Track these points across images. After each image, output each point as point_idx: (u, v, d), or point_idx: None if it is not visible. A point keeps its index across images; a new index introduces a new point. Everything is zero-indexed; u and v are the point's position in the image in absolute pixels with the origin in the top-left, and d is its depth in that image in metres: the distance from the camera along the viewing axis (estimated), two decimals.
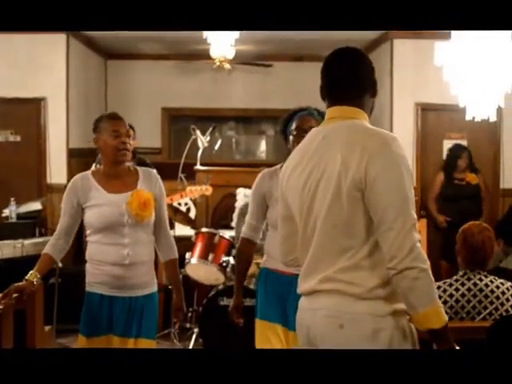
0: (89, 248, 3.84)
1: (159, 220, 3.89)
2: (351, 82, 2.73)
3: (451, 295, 3.93)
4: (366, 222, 2.54)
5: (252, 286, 5.92)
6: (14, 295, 3.67)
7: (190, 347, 5.82)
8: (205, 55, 9.09)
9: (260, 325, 3.98)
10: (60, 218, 3.87)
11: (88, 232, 3.82)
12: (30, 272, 3.74)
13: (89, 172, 3.90)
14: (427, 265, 2.46)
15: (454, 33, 5.21)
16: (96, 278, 3.78)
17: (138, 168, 3.92)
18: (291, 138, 3.82)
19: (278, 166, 3.93)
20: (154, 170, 4.02)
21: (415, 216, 2.49)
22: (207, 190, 6.67)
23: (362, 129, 2.64)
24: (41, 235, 7.54)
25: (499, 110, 5.92)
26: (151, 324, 3.84)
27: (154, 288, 3.88)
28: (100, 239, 3.75)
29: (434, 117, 8.44)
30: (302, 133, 3.64)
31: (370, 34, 8.76)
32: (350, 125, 2.65)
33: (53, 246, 3.85)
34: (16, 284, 3.69)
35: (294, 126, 3.82)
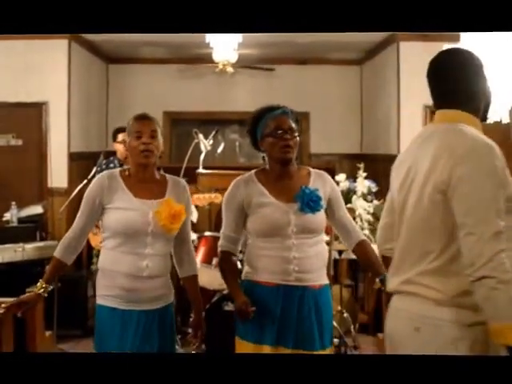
0: (103, 255, 3.55)
1: (183, 233, 3.63)
2: (458, 86, 2.71)
3: None
4: (447, 227, 2.53)
5: None
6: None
7: (193, 352, 5.75)
8: (207, 59, 9.06)
9: (241, 346, 3.59)
10: (77, 218, 3.59)
11: (104, 236, 3.54)
12: (40, 281, 3.51)
13: (116, 171, 3.65)
14: (509, 277, 2.37)
15: (463, 35, 5.17)
16: (108, 290, 3.47)
17: (167, 175, 3.67)
18: (269, 139, 3.52)
19: (253, 172, 3.65)
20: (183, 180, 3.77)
21: (500, 225, 2.43)
22: (216, 197, 6.59)
23: (457, 133, 2.62)
24: (42, 239, 7.55)
25: None
26: (169, 337, 3.58)
27: (171, 299, 3.61)
28: (117, 246, 3.46)
29: None
30: (282, 134, 3.50)
31: (376, 37, 8.73)
32: (447, 128, 2.66)
33: (65, 248, 3.56)
34: (22, 296, 3.49)
35: (270, 126, 3.52)
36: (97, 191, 3.53)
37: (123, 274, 3.42)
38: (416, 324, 2.55)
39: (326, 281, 3.62)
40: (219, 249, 3.68)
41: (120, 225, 3.44)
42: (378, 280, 3.66)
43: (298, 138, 3.55)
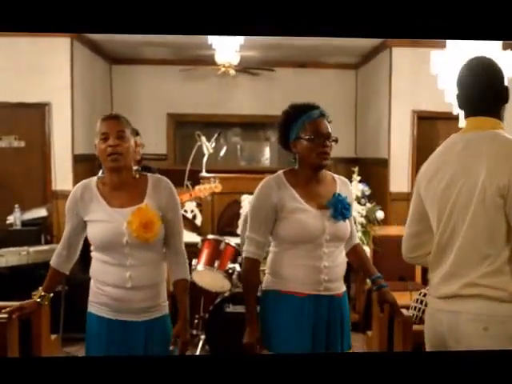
0: (92, 265, 3.44)
1: (169, 236, 3.42)
2: (489, 93, 2.84)
3: None
4: (506, 229, 2.68)
5: (258, 293, 5.89)
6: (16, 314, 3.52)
7: (197, 354, 5.80)
8: (210, 61, 9.09)
9: None
10: (64, 232, 3.51)
11: (92, 248, 3.42)
12: (39, 289, 3.50)
13: (93, 180, 3.43)
14: None
15: (448, 42, 5.24)
16: (96, 298, 3.38)
17: (149, 176, 3.43)
18: (306, 143, 3.36)
19: (281, 173, 3.46)
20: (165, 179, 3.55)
21: None
22: (216, 187, 6.62)
23: (506, 139, 2.77)
24: (46, 242, 7.55)
25: None
26: (159, 351, 3.36)
27: (165, 311, 3.43)
28: (101, 257, 3.34)
29: (431, 124, 8.57)
30: (322, 140, 3.35)
31: (372, 42, 8.82)
32: (493, 136, 2.79)
33: (58, 257, 3.53)
34: (22, 302, 3.50)
35: (308, 130, 3.36)
36: (72, 204, 3.39)
37: (109, 285, 3.31)
38: (484, 324, 2.70)
39: (344, 287, 3.55)
40: (246, 255, 3.44)
41: (96, 237, 3.32)
42: (369, 280, 3.72)
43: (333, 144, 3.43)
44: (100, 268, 3.36)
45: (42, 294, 3.48)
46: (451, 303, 2.81)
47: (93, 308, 3.41)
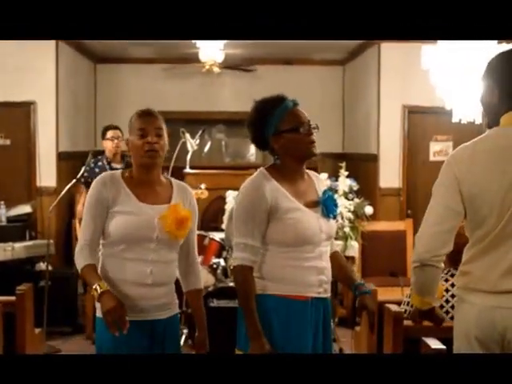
0: (103, 263, 3.21)
1: (188, 243, 3.34)
2: None
3: None
4: None
5: None
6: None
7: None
8: (194, 59, 9.13)
9: None
10: (87, 225, 3.19)
11: (104, 242, 3.21)
12: (98, 284, 3.03)
13: (118, 173, 3.29)
14: None
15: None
16: None
17: (172, 180, 3.37)
18: (290, 135, 3.14)
19: (263, 170, 3.21)
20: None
21: None
22: (203, 193, 6.65)
23: None
24: (31, 238, 7.58)
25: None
26: (173, 350, 3.27)
27: (176, 309, 3.32)
28: (119, 253, 3.16)
29: (421, 119, 8.55)
30: (308, 129, 3.16)
31: None
32: None
33: (89, 255, 3.15)
34: (111, 307, 2.98)
35: (289, 121, 3.15)
36: (103, 192, 3.18)
37: (127, 282, 3.15)
38: None
39: None
40: (239, 262, 3.11)
41: (122, 230, 3.15)
42: (352, 287, 3.37)
43: None
44: (115, 264, 3.18)
45: (105, 283, 3.07)
46: (496, 300, 2.74)
47: None
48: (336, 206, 3.28)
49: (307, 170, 3.33)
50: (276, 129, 3.16)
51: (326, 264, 3.21)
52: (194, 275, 3.39)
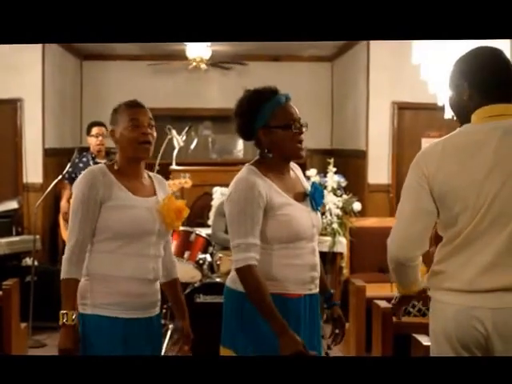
0: (98, 260, 3.06)
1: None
2: None
3: None
4: None
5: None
6: None
7: (165, 343, 5.86)
8: (181, 55, 9.14)
9: None
10: (77, 227, 3.02)
11: (99, 238, 3.06)
12: (68, 313, 2.95)
13: (104, 166, 3.15)
14: None
15: None
16: (107, 298, 3.02)
17: (148, 172, 3.29)
18: (280, 132, 3.06)
19: (251, 166, 3.12)
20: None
21: None
22: (186, 182, 6.65)
23: None
24: (17, 234, 7.61)
25: None
26: (161, 348, 3.25)
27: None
28: (118, 248, 3.03)
29: (412, 115, 8.52)
30: (299, 127, 3.08)
31: None
32: None
33: (76, 263, 3.01)
34: (67, 347, 2.94)
35: (280, 117, 3.07)
36: (96, 189, 3.02)
37: (127, 279, 3.03)
38: None
39: None
40: (246, 263, 2.96)
41: (126, 224, 3.02)
42: (324, 296, 3.36)
43: None
44: (114, 261, 3.03)
45: (74, 315, 2.97)
46: (496, 298, 2.62)
47: (102, 310, 3.02)
48: (322, 197, 3.22)
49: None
50: (266, 122, 3.07)
51: (318, 260, 3.17)
52: (172, 264, 3.35)
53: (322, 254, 7.15)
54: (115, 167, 3.12)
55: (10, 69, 8.18)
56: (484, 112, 2.73)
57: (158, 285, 3.19)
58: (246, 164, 3.17)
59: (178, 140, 7.47)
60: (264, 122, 3.07)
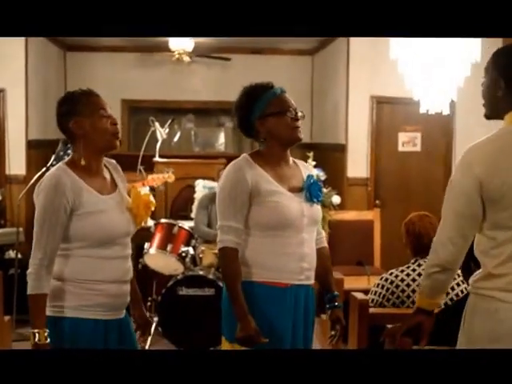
0: (75, 265, 2.90)
1: None
2: None
3: (402, 280, 4.15)
4: None
5: (211, 276, 6.04)
6: None
7: (150, 336, 5.90)
8: (164, 47, 9.14)
9: None
10: (45, 238, 2.82)
11: (76, 245, 2.90)
12: (39, 332, 2.78)
13: (63, 167, 2.92)
14: None
15: None
16: (88, 300, 2.90)
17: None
18: (276, 119, 3.15)
19: (246, 155, 3.19)
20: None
21: None
22: (169, 177, 6.68)
23: None
24: (0, 226, 7.60)
25: (452, 104, 6.10)
26: (136, 345, 3.15)
27: None
28: (97, 253, 2.90)
29: (390, 110, 8.58)
30: (295, 113, 3.19)
31: None
32: None
33: (45, 277, 2.83)
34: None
35: (276, 105, 3.16)
36: (62, 197, 2.83)
37: (108, 281, 2.93)
38: None
39: None
40: (224, 245, 3.08)
41: (101, 231, 2.89)
42: (326, 294, 3.33)
43: None
44: (95, 265, 2.90)
45: (46, 333, 2.81)
46: None
47: (84, 313, 2.90)
48: (320, 191, 3.23)
49: (296, 159, 3.36)
50: (262, 112, 3.16)
51: (310, 251, 3.17)
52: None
53: None
54: (81, 162, 2.93)
55: None
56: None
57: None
58: (244, 154, 3.25)
59: (161, 132, 7.50)
60: (260, 112, 3.16)
